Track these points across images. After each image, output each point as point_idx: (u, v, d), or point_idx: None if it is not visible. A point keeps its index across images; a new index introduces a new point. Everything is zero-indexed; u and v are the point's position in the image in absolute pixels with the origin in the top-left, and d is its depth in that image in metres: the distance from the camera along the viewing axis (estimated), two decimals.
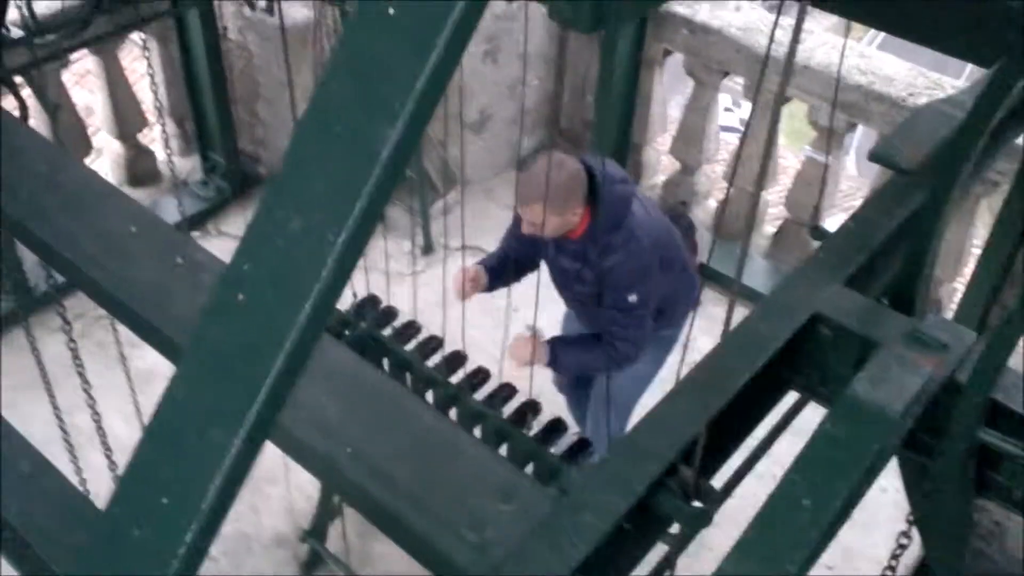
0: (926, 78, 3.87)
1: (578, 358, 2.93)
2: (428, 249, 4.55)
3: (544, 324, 2.96)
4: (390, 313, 2.86)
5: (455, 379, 2.61)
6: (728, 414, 1.49)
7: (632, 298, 2.71)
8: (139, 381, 3.13)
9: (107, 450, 2.54)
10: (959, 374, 1.43)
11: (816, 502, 1.24)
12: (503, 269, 3.05)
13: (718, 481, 1.54)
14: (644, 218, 2.74)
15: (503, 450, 2.36)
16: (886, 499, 3.37)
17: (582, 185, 2.62)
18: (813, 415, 1.66)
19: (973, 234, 3.96)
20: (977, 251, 4.15)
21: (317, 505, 3.22)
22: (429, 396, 2.58)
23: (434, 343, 2.75)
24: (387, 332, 2.76)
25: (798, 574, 1.18)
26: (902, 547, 1.44)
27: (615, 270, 2.69)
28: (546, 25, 4.76)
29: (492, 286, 3.02)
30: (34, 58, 3.19)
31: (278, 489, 3.45)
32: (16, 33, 3.10)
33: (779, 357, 1.57)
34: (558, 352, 2.88)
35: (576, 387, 3.43)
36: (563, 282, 2.93)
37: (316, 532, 3.21)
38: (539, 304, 3.08)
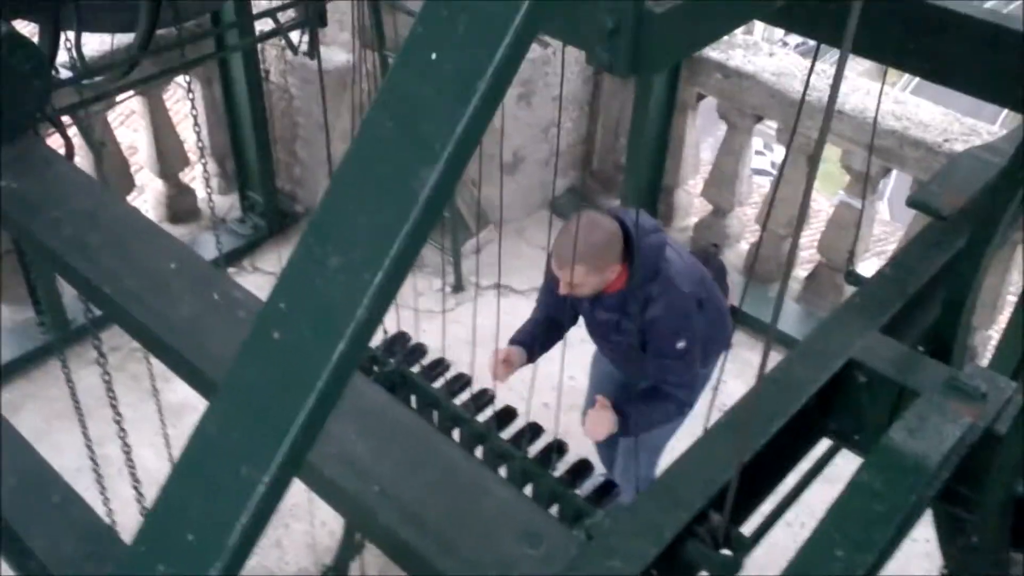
0: (961, 124, 3.86)
1: (649, 416, 2.90)
2: (459, 287, 4.56)
3: (573, 365, 2.96)
4: (419, 350, 2.87)
5: (482, 417, 2.61)
6: (760, 460, 1.47)
7: (680, 344, 2.71)
8: (171, 414, 3.16)
9: (136, 482, 2.55)
10: (998, 425, 1.40)
11: (849, 554, 1.21)
12: (542, 333, 3.05)
13: (747, 528, 1.51)
14: (679, 264, 2.74)
15: (528, 490, 2.34)
16: (917, 550, 3.29)
17: (619, 242, 2.62)
18: (844, 463, 1.63)
19: (1009, 281, 3.91)
20: (1013, 298, 4.09)
21: (339, 541, 3.21)
22: (456, 434, 2.58)
23: (462, 381, 2.76)
24: (416, 369, 2.77)
25: None
26: None
27: (659, 320, 2.69)
28: (580, 69, 4.81)
29: (532, 355, 3.02)
30: (81, 99, 3.27)
31: (302, 525, 3.44)
32: (64, 74, 3.19)
33: (813, 403, 1.55)
34: (629, 418, 2.87)
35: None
36: (601, 333, 2.93)
37: (337, 568, 3.20)
38: (567, 343, 3.08)
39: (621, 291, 2.72)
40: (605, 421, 2.84)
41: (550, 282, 2.95)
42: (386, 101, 0.90)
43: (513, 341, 3.05)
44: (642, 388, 2.99)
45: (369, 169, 0.89)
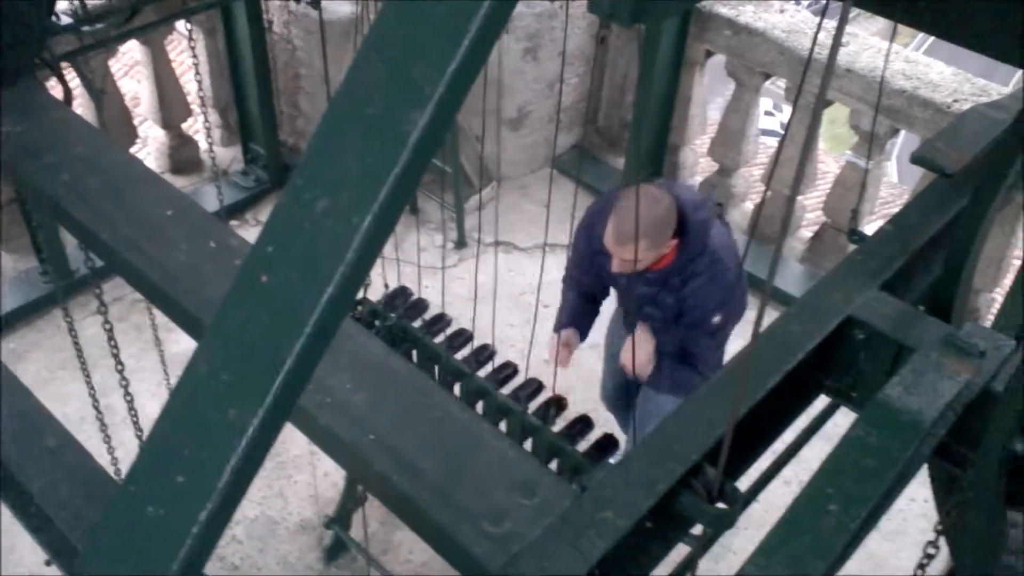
0: (972, 84, 3.80)
1: (674, 374, 2.86)
2: (461, 244, 4.55)
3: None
4: (421, 305, 2.87)
5: (483, 373, 2.61)
6: (756, 416, 1.46)
7: (716, 319, 2.69)
8: (173, 364, 3.17)
9: (139, 431, 2.57)
10: (996, 383, 1.39)
11: (843, 508, 1.21)
12: (585, 313, 3.01)
13: (744, 485, 1.51)
14: (722, 239, 2.71)
15: (528, 445, 2.35)
16: (915, 509, 3.32)
17: (675, 215, 2.57)
18: (844, 421, 1.63)
19: (1015, 243, 3.88)
20: (1018, 261, 4.06)
21: (342, 493, 3.24)
22: (456, 389, 2.58)
23: (463, 336, 2.76)
24: (417, 324, 2.77)
25: None
26: (929, 557, 1.41)
27: (698, 293, 2.66)
28: (587, 23, 4.74)
29: (583, 336, 3.01)
30: (81, 45, 3.24)
31: (305, 476, 3.48)
32: (64, 20, 3.15)
33: (810, 360, 1.54)
34: (662, 367, 2.85)
35: (621, 403, 3.39)
36: (635, 306, 2.87)
37: (340, 519, 3.24)
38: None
39: (667, 266, 2.67)
40: (647, 346, 2.80)
41: (584, 259, 2.88)
42: (376, 42, 0.88)
43: (562, 325, 3.00)
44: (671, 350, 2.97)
45: (358, 111, 0.88)
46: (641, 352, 2.81)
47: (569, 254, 3.03)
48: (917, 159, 1.90)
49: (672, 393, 2.93)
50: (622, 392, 3.35)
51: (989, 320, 3.80)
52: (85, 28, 3.27)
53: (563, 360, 2.90)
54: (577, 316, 3.00)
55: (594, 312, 3.05)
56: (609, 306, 3.16)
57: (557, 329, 3.02)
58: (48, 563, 1.46)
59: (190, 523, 0.84)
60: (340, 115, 0.91)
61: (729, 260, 2.68)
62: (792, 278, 4.33)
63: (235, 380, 0.88)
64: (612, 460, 2.36)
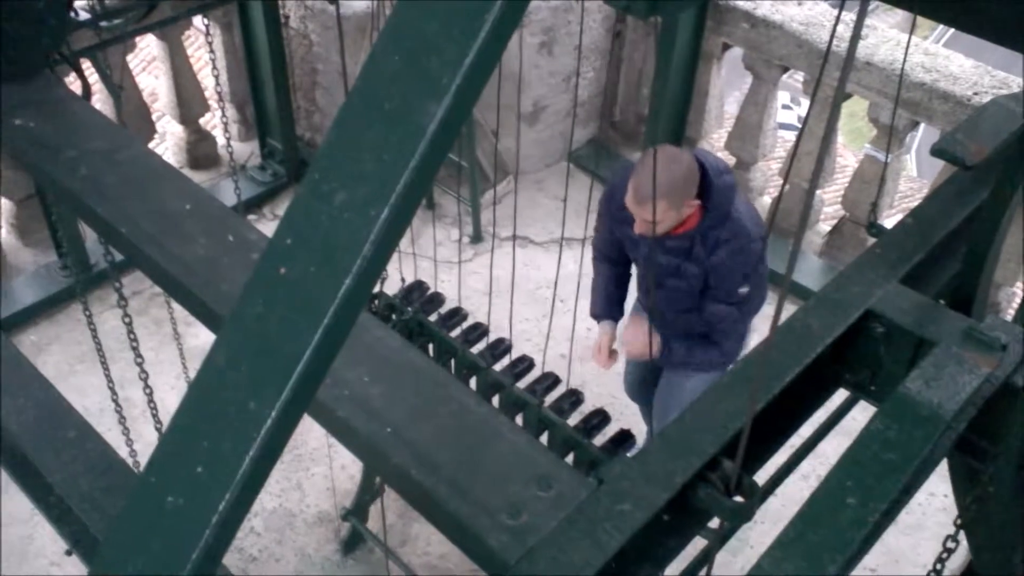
0: (992, 77, 3.76)
1: (691, 352, 2.84)
2: (477, 238, 4.56)
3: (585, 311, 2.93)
4: (437, 299, 2.88)
5: (499, 367, 2.62)
6: (774, 409, 1.46)
7: (744, 290, 2.66)
8: (192, 358, 3.19)
9: (158, 423, 2.59)
10: (1017, 377, 1.38)
11: (861, 501, 1.21)
12: (617, 290, 3.00)
13: (762, 478, 1.51)
14: (746, 209, 2.67)
15: (544, 438, 2.35)
16: (934, 503, 3.30)
17: (697, 176, 2.54)
18: (862, 416, 1.62)
19: None
20: None
21: (359, 485, 3.25)
22: (472, 383, 2.59)
23: (480, 330, 2.76)
24: (433, 318, 2.78)
25: (838, 574, 1.15)
26: (948, 551, 1.40)
27: (727, 263, 2.62)
28: (603, 17, 4.73)
29: (619, 318, 3.02)
30: (100, 40, 3.26)
31: (322, 468, 3.49)
32: (83, 16, 3.18)
33: (829, 353, 1.54)
34: (672, 347, 2.84)
35: (644, 393, 3.38)
36: (656, 279, 2.82)
37: (357, 511, 3.25)
38: (581, 294, 3.07)
39: (687, 233, 2.62)
40: (641, 334, 2.81)
41: (612, 226, 2.85)
42: (393, 35, 0.88)
43: (597, 309, 2.99)
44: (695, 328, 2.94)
45: (375, 104, 0.88)
46: (640, 334, 2.81)
47: (591, 234, 3.03)
48: (937, 152, 1.88)
49: (688, 369, 2.92)
50: (645, 383, 3.34)
51: (1010, 315, 3.77)
52: (103, 23, 3.30)
53: (607, 364, 2.90)
54: (611, 296, 2.99)
55: (627, 279, 3.02)
56: (630, 299, 3.15)
57: (593, 313, 3.01)
58: (68, 553, 1.48)
59: (209, 514, 0.85)
60: (357, 108, 0.91)
61: (754, 230, 2.65)
62: (810, 272, 4.31)
63: (254, 372, 0.89)
64: (629, 454, 2.36)
